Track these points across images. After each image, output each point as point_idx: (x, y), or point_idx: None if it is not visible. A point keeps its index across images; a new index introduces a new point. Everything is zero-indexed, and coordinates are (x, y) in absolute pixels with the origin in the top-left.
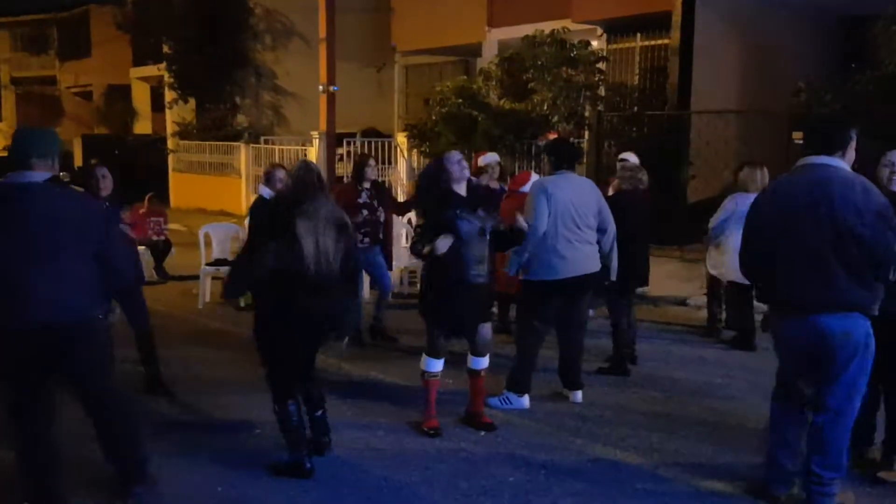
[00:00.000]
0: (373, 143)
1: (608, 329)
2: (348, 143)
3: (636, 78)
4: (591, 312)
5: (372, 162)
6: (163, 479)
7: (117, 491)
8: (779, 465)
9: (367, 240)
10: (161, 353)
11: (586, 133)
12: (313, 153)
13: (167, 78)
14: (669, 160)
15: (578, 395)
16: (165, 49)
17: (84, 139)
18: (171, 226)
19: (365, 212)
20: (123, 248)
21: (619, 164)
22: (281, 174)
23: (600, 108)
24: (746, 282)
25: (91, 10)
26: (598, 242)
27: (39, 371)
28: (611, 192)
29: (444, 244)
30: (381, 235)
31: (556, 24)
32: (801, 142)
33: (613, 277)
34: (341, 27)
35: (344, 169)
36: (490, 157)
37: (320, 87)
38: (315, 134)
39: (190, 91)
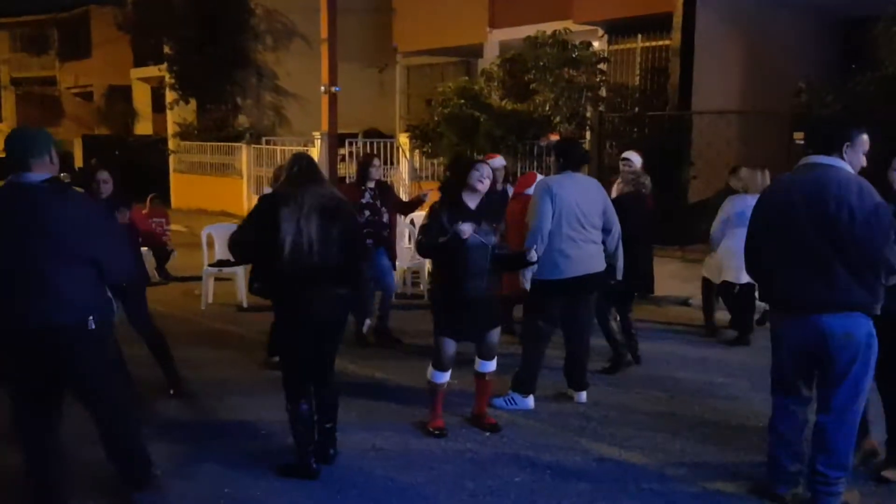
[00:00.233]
0: (374, 144)
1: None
2: (350, 144)
3: (637, 79)
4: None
5: (377, 162)
6: (168, 481)
7: (120, 492)
8: (779, 464)
9: (370, 240)
10: None
11: (588, 134)
12: (315, 154)
13: (168, 78)
14: (671, 161)
15: (583, 396)
16: (166, 49)
17: (85, 140)
18: (173, 226)
19: (368, 212)
20: (125, 249)
21: (622, 164)
22: None
23: (602, 108)
24: (738, 281)
25: (91, 10)
26: (604, 242)
27: (41, 373)
28: (614, 194)
29: (467, 227)
30: (385, 236)
31: (557, 25)
32: (802, 142)
33: (619, 277)
34: (343, 28)
35: (346, 169)
36: (498, 162)
37: (322, 88)
38: (317, 134)
39: (191, 92)
